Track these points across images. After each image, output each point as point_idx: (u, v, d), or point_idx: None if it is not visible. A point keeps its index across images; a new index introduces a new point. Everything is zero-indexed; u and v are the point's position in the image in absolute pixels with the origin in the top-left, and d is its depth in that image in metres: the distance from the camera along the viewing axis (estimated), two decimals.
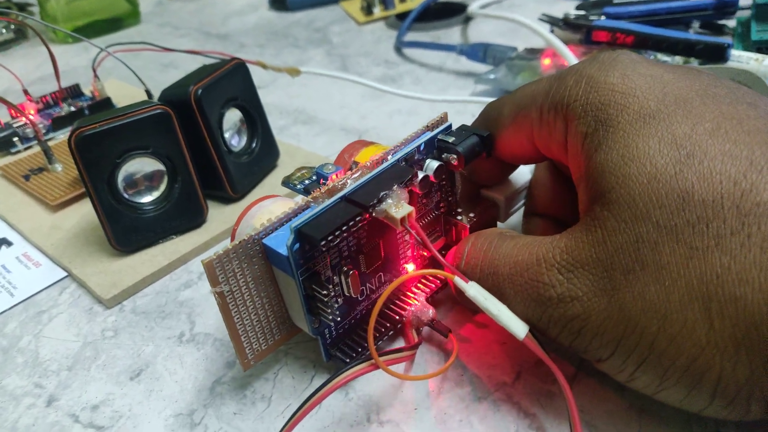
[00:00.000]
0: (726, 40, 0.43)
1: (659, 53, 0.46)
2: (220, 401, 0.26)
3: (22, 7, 0.79)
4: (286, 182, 0.29)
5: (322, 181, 0.28)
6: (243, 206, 0.37)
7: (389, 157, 0.26)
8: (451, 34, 0.62)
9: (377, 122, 0.47)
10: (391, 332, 0.27)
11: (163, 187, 0.35)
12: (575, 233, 0.21)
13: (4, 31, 0.72)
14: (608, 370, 0.21)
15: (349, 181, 0.24)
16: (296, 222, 0.22)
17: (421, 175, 0.25)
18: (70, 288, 0.34)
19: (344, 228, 0.22)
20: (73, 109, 0.50)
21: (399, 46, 0.59)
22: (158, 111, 0.33)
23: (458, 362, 0.26)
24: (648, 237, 0.19)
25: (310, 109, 0.50)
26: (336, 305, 0.24)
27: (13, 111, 0.47)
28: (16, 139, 0.47)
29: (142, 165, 0.34)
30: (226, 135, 0.37)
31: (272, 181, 0.40)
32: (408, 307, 0.27)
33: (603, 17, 0.52)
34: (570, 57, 0.45)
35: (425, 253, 0.28)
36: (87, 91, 0.53)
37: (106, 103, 0.51)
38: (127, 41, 0.69)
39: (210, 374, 0.27)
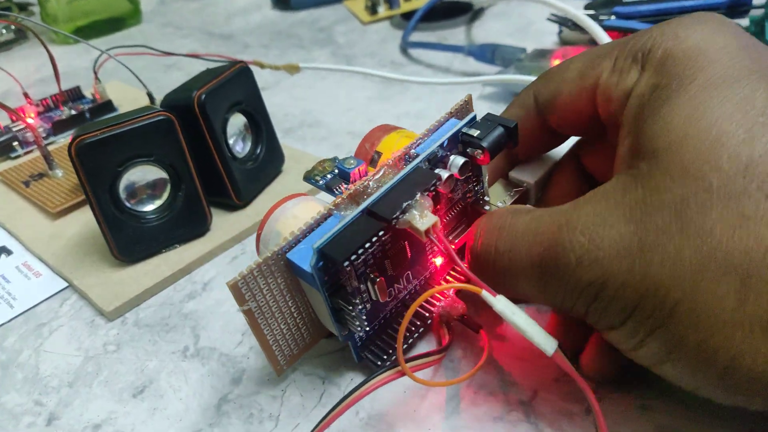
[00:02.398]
0: None
1: None
2: (226, 421, 0.25)
3: (23, 7, 0.78)
4: (308, 177, 0.29)
5: (342, 186, 0.27)
6: (248, 214, 0.37)
7: (412, 151, 0.25)
8: (458, 34, 0.61)
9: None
10: (422, 329, 0.26)
11: (165, 195, 0.34)
12: (606, 194, 0.20)
13: (4, 31, 0.71)
14: (616, 339, 0.20)
15: (371, 183, 0.24)
16: (318, 241, 0.22)
17: (445, 175, 0.24)
18: (71, 299, 0.33)
19: (367, 244, 0.22)
20: (74, 112, 0.49)
21: (405, 47, 0.58)
22: (161, 117, 0.32)
23: (473, 380, 0.25)
24: (696, 198, 0.17)
25: (315, 111, 0.49)
26: (363, 315, 0.24)
27: (13, 115, 0.47)
28: (16, 143, 0.46)
29: (144, 173, 0.33)
30: (231, 141, 0.36)
31: (277, 188, 0.39)
32: (437, 303, 0.26)
33: (613, 17, 0.51)
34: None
35: (453, 246, 0.27)
36: (88, 93, 0.52)
37: (107, 106, 0.50)
38: (128, 41, 0.69)
39: (216, 391, 0.26)
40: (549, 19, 0.54)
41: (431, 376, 0.26)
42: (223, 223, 0.36)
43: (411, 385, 0.25)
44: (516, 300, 0.22)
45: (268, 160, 0.39)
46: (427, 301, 0.26)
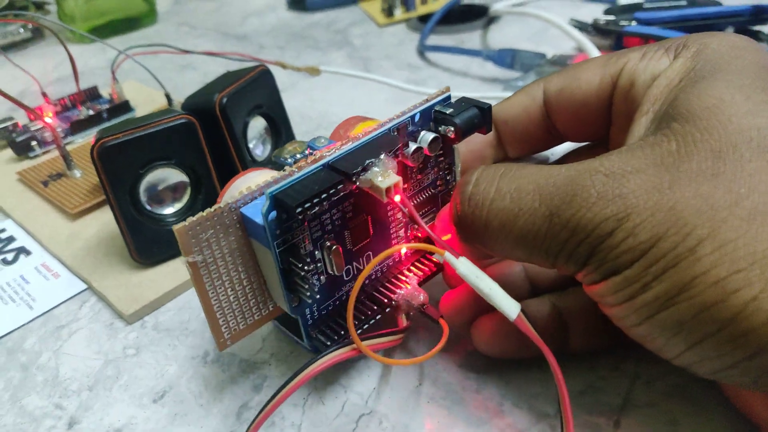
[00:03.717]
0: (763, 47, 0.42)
1: None
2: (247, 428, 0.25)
3: (40, 6, 0.78)
4: (277, 156, 0.28)
5: (309, 150, 0.26)
6: None
7: (383, 129, 0.24)
8: (475, 38, 0.60)
9: None
10: (378, 316, 0.25)
11: (186, 198, 0.34)
12: (631, 149, 0.19)
13: (21, 30, 0.71)
14: (610, 288, 0.19)
15: (337, 152, 0.23)
16: (273, 187, 0.21)
17: (413, 146, 0.23)
18: (90, 301, 0.33)
19: (323, 196, 0.21)
20: (91, 112, 0.49)
21: (422, 50, 0.58)
22: (183, 121, 0.32)
23: (497, 390, 0.25)
24: (736, 149, 0.18)
25: (332, 114, 0.49)
26: (317, 283, 0.23)
27: (31, 114, 0.47)
28: (34, 143, 0.46)
29: (165, 176, 0.33)
30: (251, 144, 0.36)
31: None
32: (398, 291, 0.25)
33: (634, 23, 0.51)
34: None
35: (420, 234, 0.27)
36: (105, 93, 0.52)
37: (124, 106, 0.50)
38: (144, 41, 0.69)
39: (236, 398, 0.26)
40: (569, 24, 0.53)
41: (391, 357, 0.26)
42: None
43: (430, 395, 0.25)
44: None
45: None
46: (387, 288, 0.26)
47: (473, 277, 0.21)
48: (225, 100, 0.33)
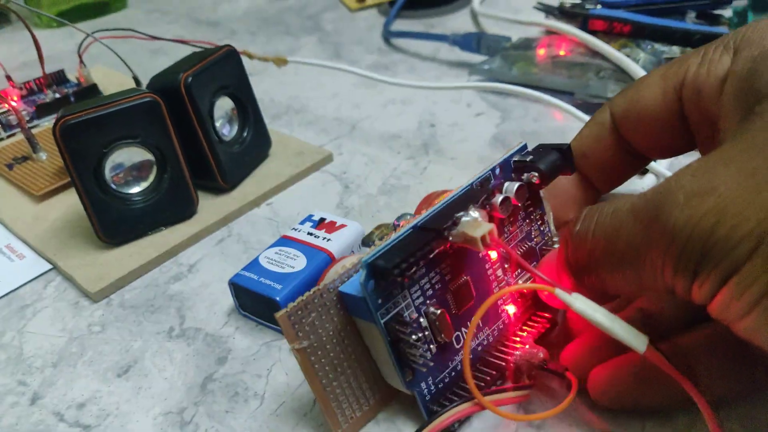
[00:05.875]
0: (724, 30, 0.43)
1: (656, 43, 0.46)
2: (211, 399, 0.25)
3: None
4: (367, 242, 0.29)
5: (395, 222, 0.27)
6: (234, 196, 0.37)
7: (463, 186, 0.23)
8: (445, 22, 0.61)
9: (371, 111, 0.46)
10: (499, 381, 0.24)
11: (151, 177, 0.34)
12: (720, 145, 0.18)
13: None
14: (738, 288, 0.16)
15: (425, 214, 0.22)
16: (367, 257, 0.20)
17: (500, 197, 0.23)
18: (55, 281, 0.33)
19: (418, 254, 0.20)
20: (58, 95, 0.49)
21: (387, 36, 0.58)
22: (147, 99, 0.32)
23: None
24: None
25: (302, 98, 0.49)
26: (427, 353, 0.22)
27: None
28: None
29: (130, 155, 0.33)
30: (217, 124, 0.36)
31: (264, 171, 0.39)
32: (515, 352, 0.24)
33: (599, 6, 0.51)
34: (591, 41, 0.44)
35: (525, 291, 0.25)
36: (72, 77, 0.51)
37: (92, 90, 0.50)
38: (113, 26, 0.68)
39: (201, 371, 0.27)
40: (535, 8, 0.54)
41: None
42: (210, 206, 0.36)
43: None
44: (605, 295, 0.21)
45: (254, 143, 0.39)
46: (502, 352, 0.24)
47: (591, 311, 0.20)
48: (190, 79, 0.33)
